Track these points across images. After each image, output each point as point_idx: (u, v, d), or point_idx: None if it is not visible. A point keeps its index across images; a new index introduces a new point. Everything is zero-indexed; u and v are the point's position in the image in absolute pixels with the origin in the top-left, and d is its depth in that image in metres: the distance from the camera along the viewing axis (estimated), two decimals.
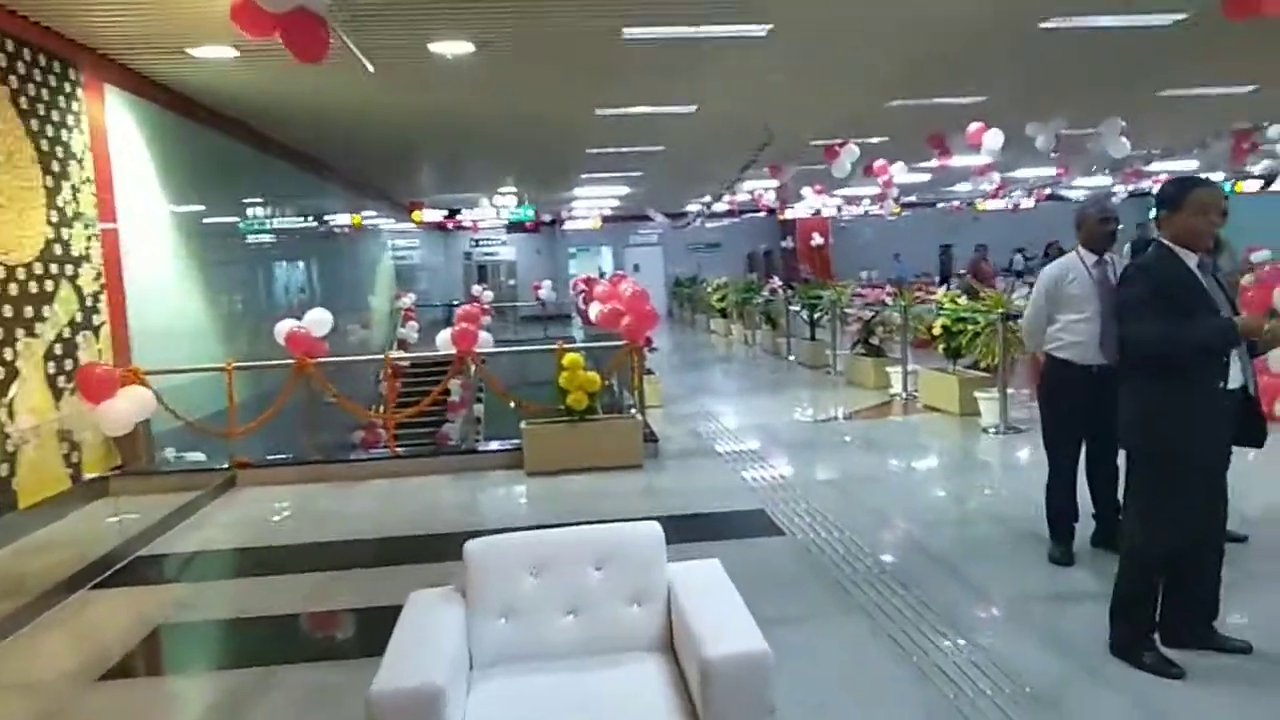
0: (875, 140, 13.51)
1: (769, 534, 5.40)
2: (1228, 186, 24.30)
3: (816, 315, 13.55)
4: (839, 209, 26.92)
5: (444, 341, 7.56)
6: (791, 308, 14.94)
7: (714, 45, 7.85)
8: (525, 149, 14.05)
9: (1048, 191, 24.32)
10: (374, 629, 4.25)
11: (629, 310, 7.60)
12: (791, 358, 14.16)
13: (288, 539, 5.92)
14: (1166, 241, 3.39)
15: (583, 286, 13.69)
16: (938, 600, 4.20)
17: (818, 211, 27.88)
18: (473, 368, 7.80)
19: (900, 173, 14.85)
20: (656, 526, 2.81)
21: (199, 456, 7.77)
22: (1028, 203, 26.70)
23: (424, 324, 18.96)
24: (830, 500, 6.02)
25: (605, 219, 27.03)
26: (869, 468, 7.19)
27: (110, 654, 4.14)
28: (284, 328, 7.28)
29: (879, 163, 14.80)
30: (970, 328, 8.84)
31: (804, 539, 5.24)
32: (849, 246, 29.89)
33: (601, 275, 25.67)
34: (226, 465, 7.29)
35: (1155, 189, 22.60)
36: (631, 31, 7.34)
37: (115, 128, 7.28)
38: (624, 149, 14.10)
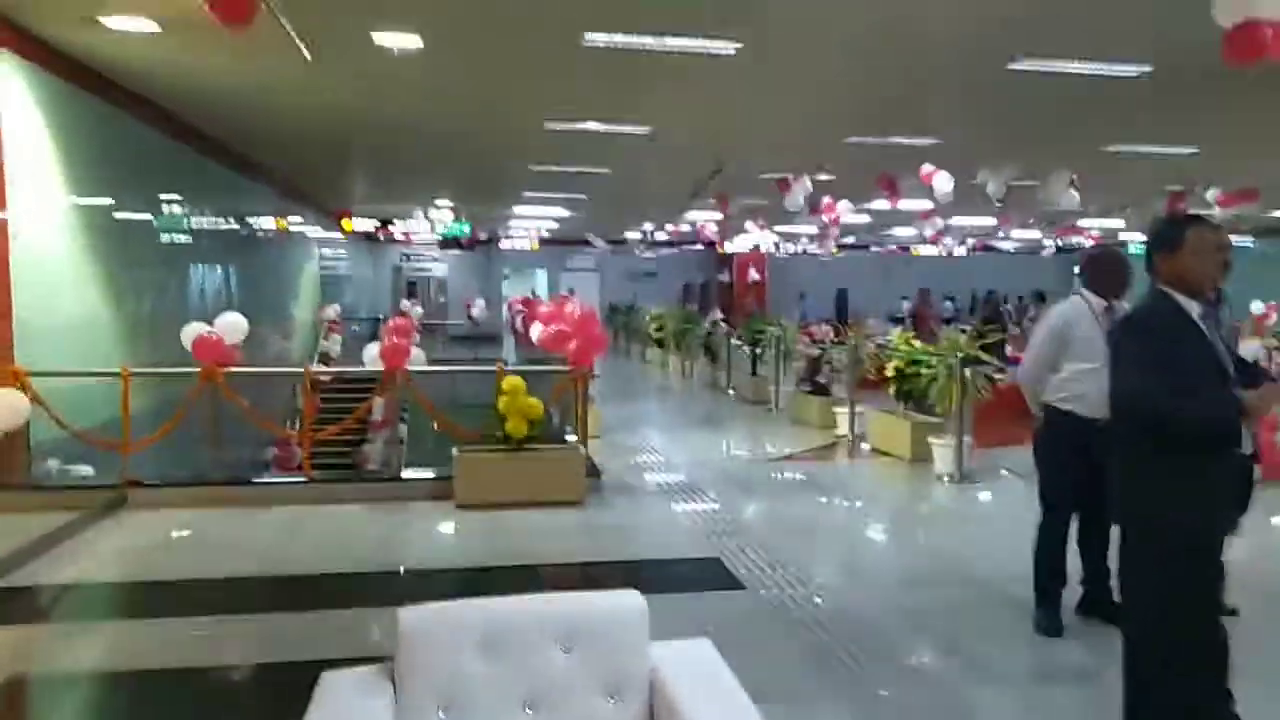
0: (825, 177, 13.31)
1: (728, 587, 4.91)
2: (1141, 248, 25.11)
3: (759, 351, 13.23)
4: (777, 245, 26.94)
5: (372, 356, 6.91)
6: (733, 342, 14.61)
7: (678, 60, 7.43)
8: (468, 160, 13.46)
9: (979, 242, 24.72)
10: (271, 694, 3.61)
11: (576, 333, 7.08)
12: (731, 392, 13.78)
13: (179, 572, 5.19)
14: (1164, 288, 2.97)
15: (520, 307, 13.10)
16: (930, 677, 3.76)
17: (757, 246, 27.90)
18: (403, 386, 7.16)
19: (846, 212, 14.72)
20: (638, 599, 2.28)
21: (87, 471, 6.94)
22: (960, 251, 27.16)
23: (349, 338, 18.07)
24: (790, 550, 5.56)
25: (543, 241, 26.49)
26: (827, 514, 6.78)
27: None
28: (192, 332, 6.55)
29: (826, 200, 14.65)
30: (926, 371, 8.57)
31: (768, 595, 4.76)
32: (785, 283, 29.96)
33: (534, 297, 25.17)
34: (115, 483, 6.48)
35: (1087, 244, 23.12)
36: (593, 36, 6.87)
37: (10, 102, 6.48)
38: (570, 168, 13.63)
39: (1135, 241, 24.13)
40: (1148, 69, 7.78)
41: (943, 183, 11.62)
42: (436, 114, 10.14)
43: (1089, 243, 22.01)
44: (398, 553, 5.65)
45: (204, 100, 9.22)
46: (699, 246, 29.72)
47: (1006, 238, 24.34)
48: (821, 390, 10.87)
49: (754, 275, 28.85)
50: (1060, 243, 24.99)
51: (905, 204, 17.23)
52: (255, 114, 9.98)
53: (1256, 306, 20.08)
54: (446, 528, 6.18)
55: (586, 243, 25.78)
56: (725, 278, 29.50)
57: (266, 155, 13.23)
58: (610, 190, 15.86)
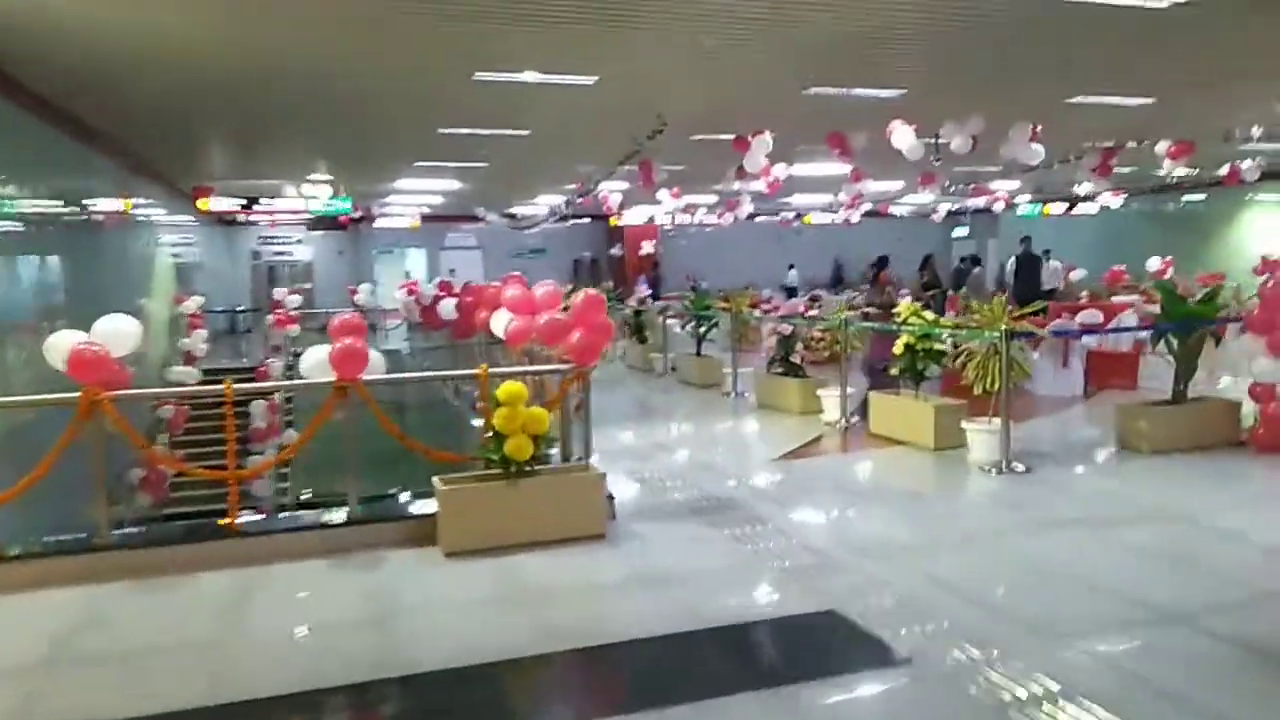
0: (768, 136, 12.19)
1: (877, 662, 3.64)
2: (1036, 209, 25.45)
3: (704, 330, 12.05)
4: (673, 217, 25.81)
5: (318, 365, 5.23)
6: (668, 320, 13.41)
7: None
8: (362, 122, 11.55)
9: (883, 206, 24.30)
10: None
11: (579, 322, 5.62)
12: (670, 375, 12.56)
13: (45, 716, 3.48)
14: None
15: (440, 292, 11.38)
16: None
17: (651, 219, 26.68)
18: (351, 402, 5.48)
19: (782, 172, 13.65)
20: None
21: None
22: (855, 217, 26.79)
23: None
24: (914, 587, 4.37)
25: (424, 218, 24.39)
26: (912, 528, 5.53)
27: None
28: (64, 343, 4.69)
29: (764, 162, 13.54)
30: (940, 346, 7.60)
31: (944, 670, 3.52)
32: (675, 256, 28.95)
33: (408, 278, 23.08)
34: None
35: (997, 206, 22.99)
36: None
37: None
38: (484, 130, 11.95)
39: (1029, 204, 24.38)
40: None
41: (903, 137, 10.69)
42: (331, 64, 8.36)
43: (1000, 205, 21.92)
44: (389, 639, 4.09)
45: (31, 42, 7.12)
46: (587, 220, 28.29)
47: (900, 203, 24.03)
48: (796, 371, 9.76)
49: (647, 248, 27.66)
50: (956, 206, 24.92)
51: (824, 169, 16.44)
52: (97, 63, 7.90)
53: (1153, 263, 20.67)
54: (445, 589, 4.64)
55: (473, 218, 23.89)
56: (617, 252, 28.18)
57: (111, 119, 10.91)
58: (523, 155, 14.22)
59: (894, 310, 8.95)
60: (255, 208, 17.74)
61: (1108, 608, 4.14)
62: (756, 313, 11.11)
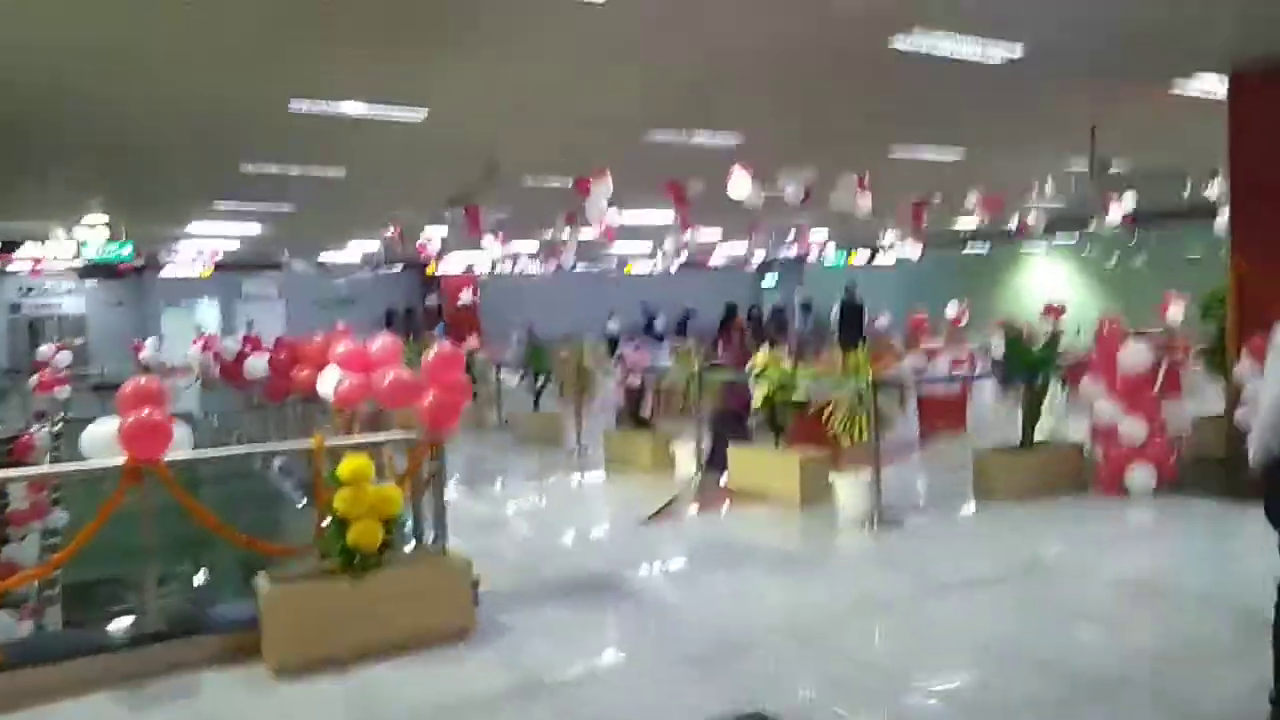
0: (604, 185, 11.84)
1: None
2: (841, 258, 26.68)
3: (542, 382, 11.42)
4: (493, 265, 25.07)
5: (103, 441, 4.18)
6: (503, 373, 12.68)
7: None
8: (150, 155, 10.22)
9: (701, 257, 24.58)
10: None
11: (433, 381, 4.86)
12: (504, 431, 11.82)
13: None
14: None
15: (244, 348, 10.11)
16: None
17: (470, 267, 25.82)
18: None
19: (615, 219, 13.34)
20: None
21: None
22: (674, 267, 27.10)
23: None
24: (837, 669, 3.91)
25: (218, 265, 22.35)
26: (801, 595, 5.13)
27: None
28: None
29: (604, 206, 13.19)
30: (800, 397, 7.38)
31: None
32: (497, 306, 28.14)
33: (201, 332, 21.00)
34: None
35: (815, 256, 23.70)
36: None
37: None
38: (294, 168, 10.88)
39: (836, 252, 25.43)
40: (1014, 55, 7.19)
41: (741, 184, 10.62)
42: (123, 87, 7.25)
43: (816, 253, 22.65)
44: None
45: None
46: (399, 269, 27.03)
47: (712, 253, 24.47)
48: (644, 425, 9.31)
49: (466, 298, 26.70)
50: (770, 257, 25.68)
51: (652, 216, 16.36)
52: None
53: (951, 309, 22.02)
54: None
55: (276, 266, 22.16)
56: (434, 301, 27.02)
57: None
58: (336, 197, 13.16)
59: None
60: (15, 254, 15.48)
61: (1050, 684, 3.85)
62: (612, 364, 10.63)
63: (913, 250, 21.93)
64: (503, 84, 7.67)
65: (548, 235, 17.43)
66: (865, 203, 11.20)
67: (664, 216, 17.01)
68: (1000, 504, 6.97)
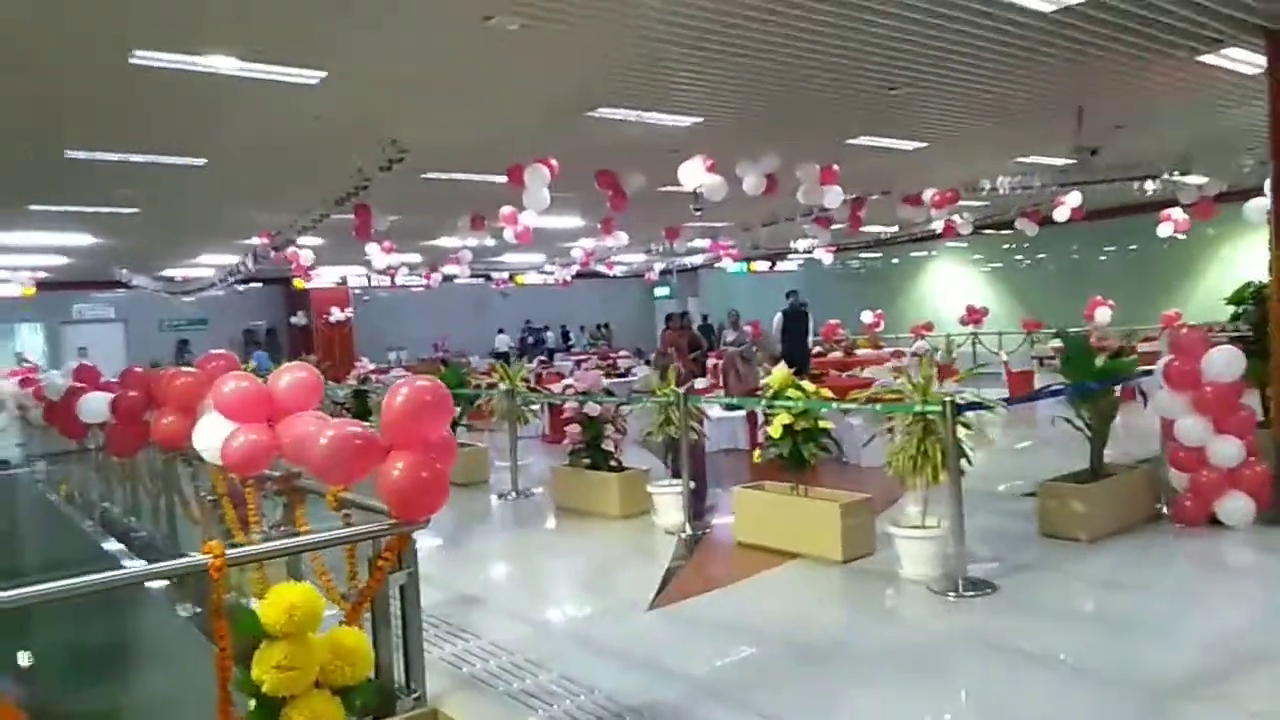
0: (497, 179, 10.00)
1: None
2: (742, 268, 25.60)
3: (460, 411, 9.50)
4: (369, 279, 22.63)
5: None
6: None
7: None
8: None
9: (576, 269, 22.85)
10: None
11: (398, 439, 3.04)
12: None
13: None
14: None
15: (77, 383, 7.73)
16: None
17: (343, 280, 23.31)
18: None
19: (534, 220, 11.55)
20: None
21: None
22: (568, 277, 25.31)
23: None
24: None
25: (40, 284, 19.08)
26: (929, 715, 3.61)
27: None
28: None
29: (506, 209, 11.38)
30: (820, 424, 5.90)
31: None
32: (371, 325, 25.62)
33: (22, 362, 17.79)
34: None
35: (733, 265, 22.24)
36: None
37: None
38: (140, 156, 8.62)
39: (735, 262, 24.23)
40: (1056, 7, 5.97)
41: (696, 171, 9.11)
42: None
43: (728, 261, 21.33)
44: None
45: None
46: (259, 285, 24.17)
47: (617, 262, 22.86)
48: (609, 462, 7.59)
49: (337, 314, 24.12)
50: (674, 265, 24.25)
51: (561, 221, 14.65)
52: None
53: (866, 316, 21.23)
54: None
55: (115, 284, 19.12)
56: (300, 320, 24.29)
57: None
58: (193, 195, 10.84)
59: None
60: None
61: None
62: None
63: (826, 255, 21.13)
64: (409, 47, 5.90)
65: (442, 240, 15.43)
66: (833, 196, 9.90)
67: (570, 221, 15.39)
68: (1085, 548, 5.66)
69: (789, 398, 5.93)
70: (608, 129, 8.65)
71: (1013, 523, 6.26)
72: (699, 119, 8.66)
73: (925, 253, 23.77)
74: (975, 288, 22.03)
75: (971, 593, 4.93)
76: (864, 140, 10.11)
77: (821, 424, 5.98)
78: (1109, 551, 5.62)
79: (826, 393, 6.18)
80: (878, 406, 5.61)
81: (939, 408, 5.06)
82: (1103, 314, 16.01)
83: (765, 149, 9.38)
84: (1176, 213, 15.04)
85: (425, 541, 6.46)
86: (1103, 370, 6.08)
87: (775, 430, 5.94)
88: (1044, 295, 20.43)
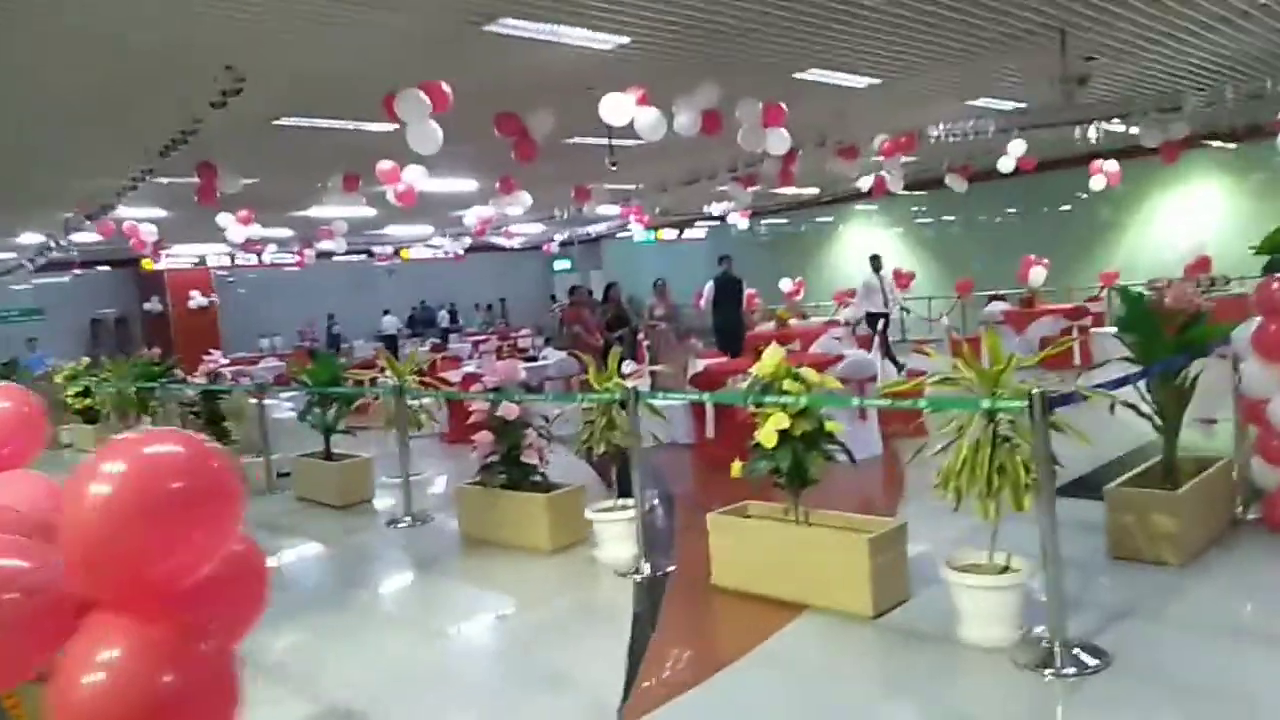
0: (371, 126, 8.03)
1: None
2: (650, 236, 23.95)
3: (333, 416, 7.57)
4: (232, 256, 20.02)
5: None
6: (268, 403, 8.67)
7: None
8: None
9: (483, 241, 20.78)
10: None
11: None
12: (279, 490, 7.87)
13: None
14: None
15: None
16: None
17: (202, 260, 20.61)
18: None
19: (421, 179, 9.59)
20: None
21: None
22: (461, 250, 23.17)
23: None
24: None
25: None
26: None
27: None
28: None
29: (387, 165, 9.42)
30: (827, 426, 4.33)
31: None
32: (239, 310, 22.92)
33: None
34: None
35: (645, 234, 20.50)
36: None
37: None
38: None
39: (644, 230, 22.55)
40: None
41: (622, 107, 7.40)
42: None
43: (639, 230, 19.64)
44: None
45: None
46: (105, 267, 21.22)
47: (514, 234, 20.89)
48: (528, 480, 5.83)
49: (199, 299, 21.40)
50: (576, 235, 22.42)
51: (453, 184, 12.69)
52: None
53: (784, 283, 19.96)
54: None
55: None
56: (155, 307, 21.45)
57: None
58: None
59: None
60: None
61: None
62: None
63: (741, 220, 19.71)
64: None
65: (313, 211, 13.21)
66: (778, 140, 8.33)
67: (463, 184, 13.42)
68: (1171, 577, 4.29)
69: (785, 390, 4.33)
70: (512, 52, 6.84)
71: (1070, 541, 4.82)
72: (625, 40, 6.94)
73: (842, 217, 22.66)
74: (899, 251, 20.91)
75: (1073, 669, 3.45)
76: (814, 74, 8.57)
77: (829, 426, 4.41)
78: (1211, 579, 4.26)
79: (834, 383, 4.58)
80: (922, 403, 4.04)
81: (1021, 403, 3.53)
82: (1037, 274, 15.11)
83: (702, 81, 7.75)
84: (1110, 165, 14.23)
85: (281, 607, 4.63)
86: (1181, 342, 4.69)
87: (768, 438, 4.33)
88: (972, 257, 19.47)
